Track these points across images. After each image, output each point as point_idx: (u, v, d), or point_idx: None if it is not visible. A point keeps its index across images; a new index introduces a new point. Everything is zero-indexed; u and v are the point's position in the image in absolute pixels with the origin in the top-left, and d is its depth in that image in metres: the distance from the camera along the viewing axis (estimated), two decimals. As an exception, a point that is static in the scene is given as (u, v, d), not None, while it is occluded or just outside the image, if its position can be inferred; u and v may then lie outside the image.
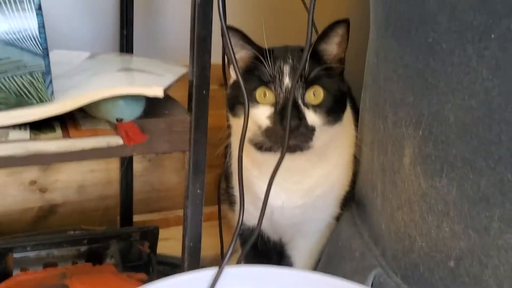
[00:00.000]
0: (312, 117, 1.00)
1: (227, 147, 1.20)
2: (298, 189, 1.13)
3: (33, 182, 1.39)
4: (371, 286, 0.95)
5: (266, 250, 1.28)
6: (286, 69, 1.01)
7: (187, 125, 0.89)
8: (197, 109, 0.87)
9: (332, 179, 1.16)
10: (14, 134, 0.78)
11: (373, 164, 1.01)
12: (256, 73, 1.03)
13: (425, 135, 0.82)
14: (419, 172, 0.84)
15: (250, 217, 1.13)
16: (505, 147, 0.70)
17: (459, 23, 0.73)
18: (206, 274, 0.88)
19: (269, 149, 1.03)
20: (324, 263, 1.17)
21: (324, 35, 1.03)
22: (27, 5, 0.74)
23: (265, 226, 1.22)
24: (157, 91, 0.84)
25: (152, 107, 0.89)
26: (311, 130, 1.00)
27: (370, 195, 1.03)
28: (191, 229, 0.94)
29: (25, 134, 0.79)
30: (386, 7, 0.91)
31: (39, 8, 0.75)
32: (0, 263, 1.15)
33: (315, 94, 1.01)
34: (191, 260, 0.96)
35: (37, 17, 0.75)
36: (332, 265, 1.12)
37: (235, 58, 0.90)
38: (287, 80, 1.01)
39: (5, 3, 0.73)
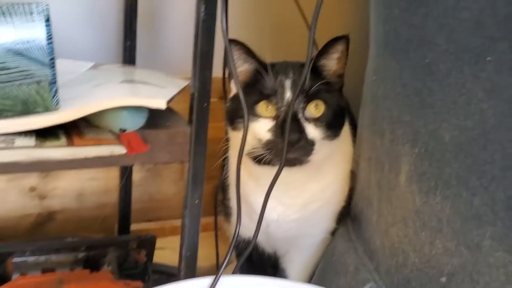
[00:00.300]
0: (312, 131, 1.01)
1: (225, 158, 1.21)
2: (294, 203, 1.14)
3: (32, 189, 1.40)
4: (364, 300, 0.96)
5: (261, 263, 1.29)
6: (287, 83, 1.03)
7: (188, 136, 0.90)
8: (197, 122, 0.89)
9: (329, 194, 1.16)
10: (20, 141, 0.79)
11: (370, 180, 1.02)
12: (257, 87, 1.04)
13: (421, 153, 0.83)
14: (414, 189, 0.85)
15: (246, 230, 1.12)
16: (498, 167, 0.72)
17: (456, 46, 0.75)
18: (202, 283, 0.90)
19: (268, 162, 1.03)
20: (318, 277, 1.18)
21: (324, 51, 1.04)
22: (36, 16, 0.76)
23: (261, 239, 1.23)
24: (160, 103, 0.86)
25: (154, 118, 0.90)
26: (311, 143, 1.01)
27: (366, 211, 1.04)
28: (189, 238, 0.95)
29: (31, 141, 0.80)
30: (385, 26, 0.93)
31: (47, 20, 0.77)
32: (0, 267, 1.16)
33: (316, 108, 1.02)
34: (188, 269, 0.96)
35: (45, 28, 0.77)
36: (326, 279, 1.12)
37: (236, 73, 0.91)
38: (288, 94, 1.02)
39: (16, 15, 0.75)
